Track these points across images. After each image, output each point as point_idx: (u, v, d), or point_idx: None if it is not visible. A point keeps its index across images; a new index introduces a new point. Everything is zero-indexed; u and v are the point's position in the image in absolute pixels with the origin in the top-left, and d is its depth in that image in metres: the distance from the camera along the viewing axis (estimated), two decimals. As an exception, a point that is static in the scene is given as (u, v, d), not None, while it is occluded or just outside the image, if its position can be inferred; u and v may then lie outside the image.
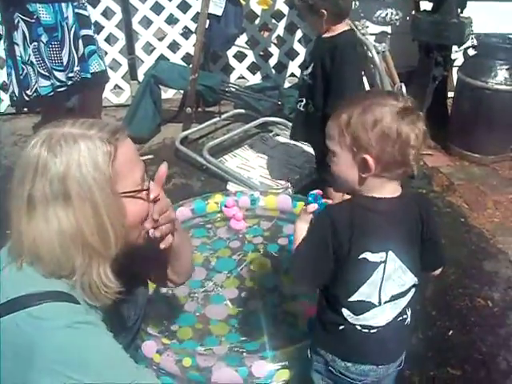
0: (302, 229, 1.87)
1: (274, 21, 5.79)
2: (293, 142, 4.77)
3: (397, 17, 5.12)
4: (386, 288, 1.78)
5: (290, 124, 4.86)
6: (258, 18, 5.72)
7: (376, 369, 1.87)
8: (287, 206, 3.55)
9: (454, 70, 5.14)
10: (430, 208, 1.93)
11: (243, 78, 5.93)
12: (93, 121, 1.53)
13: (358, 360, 1.86)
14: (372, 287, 1.76)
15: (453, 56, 5.03)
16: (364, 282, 1.76)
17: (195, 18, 5.49)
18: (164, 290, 2.84)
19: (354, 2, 5.25)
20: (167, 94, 5.54)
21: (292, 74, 5.96)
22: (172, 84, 5.13)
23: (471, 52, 4.75)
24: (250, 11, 5.59)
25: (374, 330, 1.82)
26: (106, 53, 5.26)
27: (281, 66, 5.94)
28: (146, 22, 5.59)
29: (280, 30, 5.76)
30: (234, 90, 5.20)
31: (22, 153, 1.47)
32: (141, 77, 5.58)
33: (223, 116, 5.12)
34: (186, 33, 5.81)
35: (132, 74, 5.77)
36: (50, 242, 1.43)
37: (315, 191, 1.91)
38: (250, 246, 3.33)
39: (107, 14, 5.49)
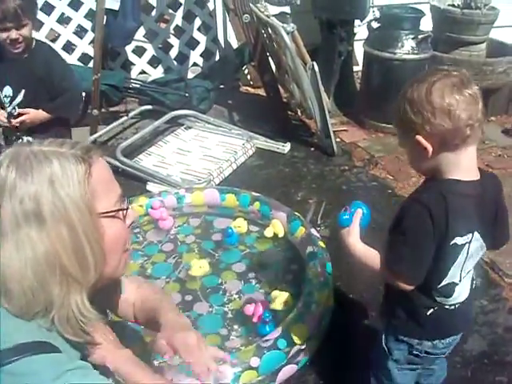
0: (360, 245, 1.86)
1: (170, 11, 5.63)
2: (206, 133, 4.69)
3: (297, -4, 5.06)
4: (467, 266, 1.84)
5: (201, 115, 4.78)
6: (154, 10, 5.53)
7: (457, 337, 2.00)
8: (215, 200, 3.45)
9: (357, 44, 5.17)
10: (501, 188, 1.93)
11: (145, 73, 5.76)
12: (61, 140, 1.36)
13: (446, 335, 1.95)
14: (457, 268, 1.82)
15: (355, 30, 5.03)
16: (452, 265, 1.80)
17: (88, 16, 5.28)
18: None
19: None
20: (67, 97, 5.27)
21: (194, 64, 5.84)
22: (74, 87, 4.88)
23: (375, 25, 4.76)
24: (146, 3, 5.40)
25: (459, 305, 1.90)
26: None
27: (182, 57, 5.80)
28: (38, 24, 5.27)
29: (178, 19, 5.61)
30: (138, 86, 5.03)
31: None
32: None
33: (130, 114, 4.92)
34: (80, 32, 5.54)
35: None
36: (22, 271, 1.26)
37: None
38: (184, 246, 3.21)
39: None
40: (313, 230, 3.03)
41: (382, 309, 2.10)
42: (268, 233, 3.15)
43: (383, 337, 2.01)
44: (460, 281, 1.84)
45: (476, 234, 1.78)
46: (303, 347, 2.37)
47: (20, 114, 3.08)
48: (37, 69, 3.08)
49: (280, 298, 2.61)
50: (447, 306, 1.87)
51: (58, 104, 3.19)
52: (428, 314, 1.88)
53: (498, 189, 1.87)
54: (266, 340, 2.32)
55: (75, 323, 1.33)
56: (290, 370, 2.34)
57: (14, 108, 3.09)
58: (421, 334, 1.93)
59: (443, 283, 1.82)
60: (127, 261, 1.51)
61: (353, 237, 1.85)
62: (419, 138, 1.66)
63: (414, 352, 1.96)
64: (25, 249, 1.25)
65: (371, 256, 1.86)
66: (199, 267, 2.95)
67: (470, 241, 1.77)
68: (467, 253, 1.79)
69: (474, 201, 1.76)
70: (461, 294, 1.88)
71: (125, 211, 1.42)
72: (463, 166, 1.71)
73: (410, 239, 1.75)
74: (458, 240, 1.75)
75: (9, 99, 3.09)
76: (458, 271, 1.82)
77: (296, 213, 3.17)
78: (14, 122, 3.08)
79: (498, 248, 2.01)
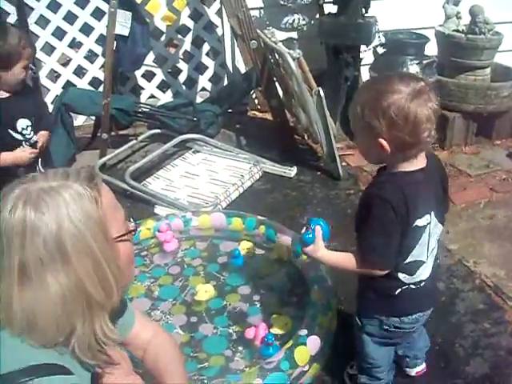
0: (329, 254, 2.12)
1: (179, 36, 5.71)
2: (214, 157, 4.75)
3: (303, 22, 5.14)
4: (430, 244, 2.06)
5: (209, 139, 4.84)
6: (164, 35, 5.62)
7: (424, 313, 2.20)
8: (222, 223, 3.50)
9: (363, 69, 5.22)
10: (442, 166, 2.23)
11: (154, 97, 5.82)
12: (62, 170, 1.39)
13: (412, 312, 2.15)
14: (422, 247, 2.03)
15: (361, 55, 5.09)
16: (415, 244, 2.01)
17: (98, 41, 5.37)
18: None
19: (259, 11, 5.27)
20: (77, 120, 5.33)
21: (203, 89, 5.90)
22: (84, 111, 4.96)
23: (380, 50, 4.82)
24: (155, 28, 5.48)
25: (423, 283, 2.11)
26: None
27: (191, 82, 5.86)
28: (49, 49, 5.39)
29: (187, 44, 5.69)
30: (147, 110, 5.08)
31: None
32: (48, 106, 5.39)
33: (139, 138, 4.98)
34: (91, 56, 5.64)
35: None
36: (50, 308, 1.29)
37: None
38: (190, 269, 3.25)
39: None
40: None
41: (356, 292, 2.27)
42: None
43: (357, 311, 2.26)
44: (427, 259, 2.07)
45: (432, 214, 2.01)
46: (306, 369, 2.40)
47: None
48: (34, 93, 3.17)
49: (278, 323, 2.65)
50: (412, 286, 2.08)
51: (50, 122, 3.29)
52: (396, 293, 2.09)
53: (441, 167, 2.17)
54: (270, 362, 2.35)
55: (95, 346, 1.37)
56: (292, 391, 2.37)
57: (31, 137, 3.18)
58: (388, 311, 2.14)
59: (407, 261, 2.02)
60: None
61: (321, 250, 2.09)
62: (381, 141, 1.87)
63: (384, 327, 2.16)
64: (53, 288, 1.28)
65: (345, 258, 2.09)
66: (205, 292, 2.99)
67: (430, 221, 2.00)
68: (429, 232, 2.02)
69: (426, 186, 1.99)
70: (425, 271, 2.10)
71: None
72: (415, 159, 1.94)
73: (378, 230, 1.95)
74: (419, 222, 1.97)
75: (29, 130, 3.16)
76: (424, 250, 2.04)
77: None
78: (39, 148, 3.17)
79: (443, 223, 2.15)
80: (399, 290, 2.08)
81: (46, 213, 1.27)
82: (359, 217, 2.04)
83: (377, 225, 1.94)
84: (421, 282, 2.10)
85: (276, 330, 2.67)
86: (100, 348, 1.39)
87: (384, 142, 1.87)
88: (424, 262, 2.07)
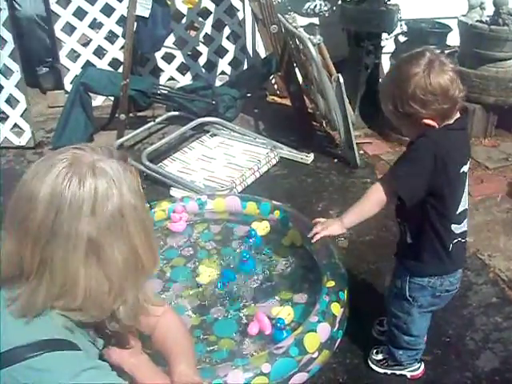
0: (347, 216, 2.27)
1: (200, 19, 5.70)
2: (231, 141, 4.74)
3: (325, 8, 5.11)
4: (466, 192, 2.19)
5: (227, 123, 4.83)
6: (185, 18, 5.61)
7: (461, 271, 2.33)
8: (236, 207, 3.48)
9: (384, 57, 5.19)
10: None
11: (173, 79, 5.83)
12: (102, 147, 1.43)
13: (459, 267, 2.29)
14: (466, 194, 2.17)
15: (382, 43, 5.06)
16: (463, 192, 2.15)
17: (119, 22, 5.37)
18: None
19: (280, -4, 5.24)
20: (96, 101, 5.36)
21: (222, 72, 5.90)
22: (103, 91, 4.97)
23: (402, 38, 4.79)
24: (176, 11, 5.46)
25: (465, 235, 2.26)
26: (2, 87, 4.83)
27: (211, 65, 5.86)
28: (69, 29, 5.39)
29: (207, 28, 5.69)
30: (166, 92, 5.08)
31: (60, 187, 1.29)
32: (67, 86, 5.41)
33: (157, 120, 4.99)
34: (111, 37, 5.64)
35: (58, 82, 5.60)
36: (116, 279, 1.36)
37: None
38: (204, 252, 3.25)
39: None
40: (330, 241, 3.05)
41: (402, 264, 2.35)
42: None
43: (406, 289, 2.30)
44: (468, 206, 2.20)
45: (468, 161, 2.16)
46: (315, 356, 2.39)
47: None
48: None
49: (284, 312, 2.64)
50: (460, 238, 2.21)
51: None
52: (450, 248, 2.19)
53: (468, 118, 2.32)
54: (279, 347, 2.35)
55: (138, 311, 1.49)
56: (301, 377, 2.36)
57: None
58: (443, 270, 2.24)
59: (460, 209, 2.14)
60: None
61: (335, 225, 2.29)
62: (426, 121, 1.99)
63: (437, 293, 2.27)
64: (116, 255, 1.35)
65: (364, 200, 2.19)
66: (208, 276, 2.98)
67: (469, 168, 2.16)
68: (467, 179, 2.17)
69: (465, 133, 2.21)
70: (466, 221, 2.22)
71: None
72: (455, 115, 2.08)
73: (415, 163, 2.05)
74: (465, 168, 2.11)
75: None
76: (466, 197, 2.17)
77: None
78: None
79: None
80: (452, 243, 2.19)
81: (111, 184, 1.33)
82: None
83: (413, 156, 2.06)
84: (464, 232, 2.24)
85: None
86: (139, 313, 1.49)
87: (428, 121, 1.99)
88: (467, 210, 2.21)
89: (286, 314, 2.62)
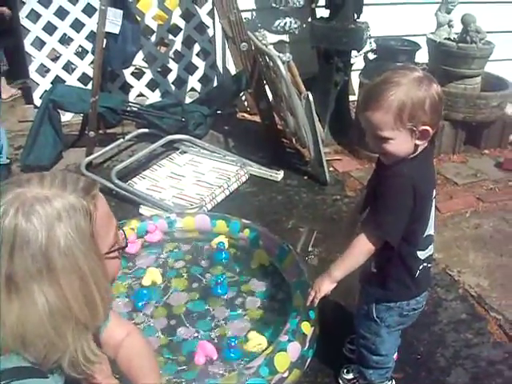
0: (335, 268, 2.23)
1: (170, 36, 5.69)
2: (200, 158, 4.72)
3: (295, 25, 5.12)
4: (433, 216, 2.18)
5: (196, 140, 4.81)
6: (155, 34, 5.60)
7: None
8: (206, 225, 3.46)
9: (354, 74, 5.22)
10: None
11: (142, 95, 5.81)
12: (61, 176, 1.33)
13: (424, 289, 2.32)
14: (433, 218, 2.16)
15: (352, 60, 5.09)
16: (430, 216, 2.14)
17: (89, 38, 5.34)
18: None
19: (250, 13, 5.25)
20: (65, 117, 5.29)
21: (192, 89, 5.90)
22: (72, 108, 4.90)
23: (371, 56, 4.82)
24: (146, 27, 5.47)
25: (431, 260, 2.27)
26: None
27: (180, 82, 5.85)
28: (39, 43, 5.35)
29: (177, 44, 5.68)
30: (135, 109, 5.04)
31: None
32: (37, 100, 5.37)
33: (127, 137, 4.95)
34: (81, 53, 5.61)
35: (27, 98, 5.54)
36: (40, 324, 1.24)
37: None
38: (173, 271, 3.22)
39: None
40: (300, 260, 3.04)
41: (367, 291, 2.36)
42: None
43: (373, 311, 2.30)
44: (435, 231, 2.22)
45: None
46: (286, 375, 2.37)
47: None
48: None
49: (254, 341, 2.62)
50: (426, 263, 2.21)
51: None
52: (416, 274, 2.19)
53: None
54: (249, 367, 2.33)
55: (83, 366, 1.33)
56: (272, 397, 2.34)
57: None
58: (410, 294, 2.25)
59: (425, 234, 2.14)
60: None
61: (325, 278, 2.26)
62: (426, 128, 1.93)
63: (404, 313, 2.28)
64: (40, 303, 1.23)
65: (350, 251, 2.14)
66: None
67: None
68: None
69: (431, 158, 2.20)
70: (432, 246, 2.23)
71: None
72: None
73: (396, 206, 2.02)
74: (434, 191, 2.13)
75: None
76: (432, 222, 2.17)
77: (284, 241, 3.18)
78: None
79: None
80: (419, 269, 2.20)
81: (37, 225, 1.21)
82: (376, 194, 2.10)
83: (395, 200, 2.02)
84: (430, 256, 2.25)
85: (245, 349, 2.62)
86: (87, 368, 1.35)
87: (428, 128, 1.94)
88: (432, 235, 2.22)
89: (258, 342, 2.61)
